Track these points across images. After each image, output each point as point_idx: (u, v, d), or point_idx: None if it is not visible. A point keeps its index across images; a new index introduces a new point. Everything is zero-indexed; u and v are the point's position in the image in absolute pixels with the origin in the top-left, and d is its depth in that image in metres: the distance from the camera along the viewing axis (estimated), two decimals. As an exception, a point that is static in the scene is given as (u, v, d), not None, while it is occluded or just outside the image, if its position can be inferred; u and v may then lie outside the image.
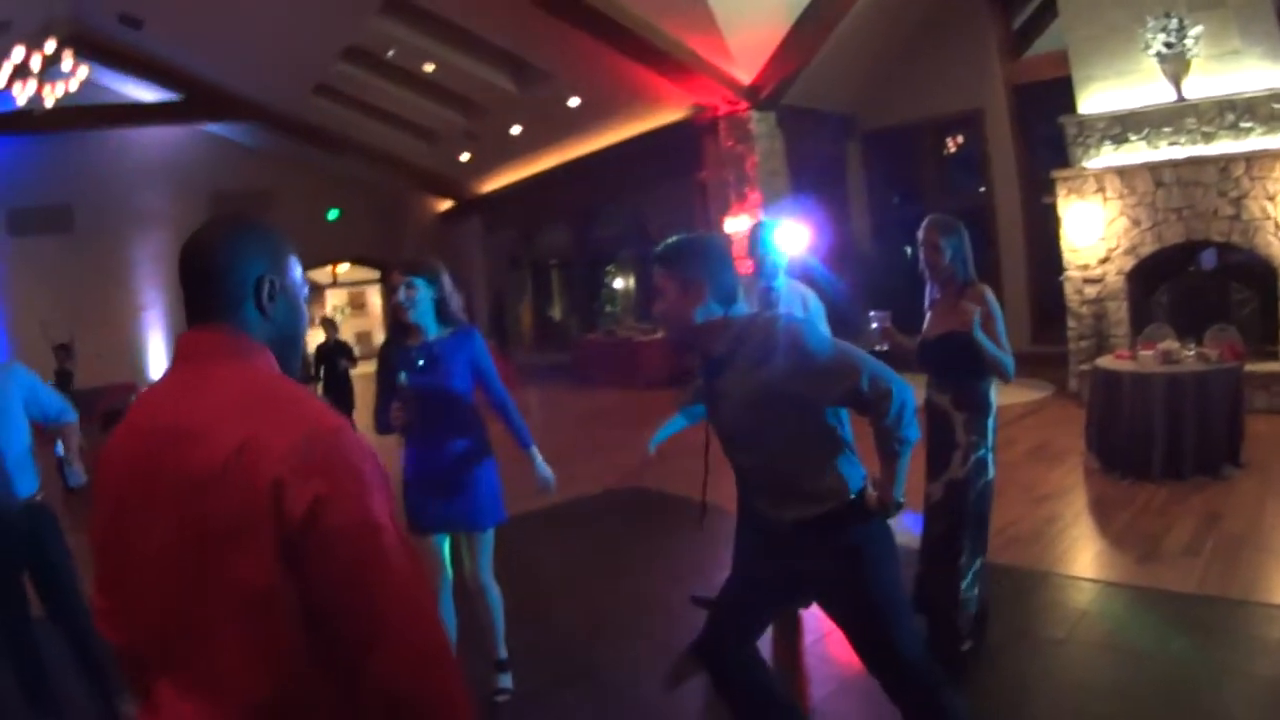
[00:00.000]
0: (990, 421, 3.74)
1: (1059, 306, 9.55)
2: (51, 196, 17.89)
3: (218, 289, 1.49)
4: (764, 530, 2.71)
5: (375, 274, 23.08)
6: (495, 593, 3.87)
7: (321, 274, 23.84)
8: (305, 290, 1.64)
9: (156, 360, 19.23)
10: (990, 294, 3.78)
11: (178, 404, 1.41)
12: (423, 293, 3.70)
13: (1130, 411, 6.27)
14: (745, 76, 11.47)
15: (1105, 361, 6.93)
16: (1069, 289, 9.25)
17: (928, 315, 4.01)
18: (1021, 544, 5.18)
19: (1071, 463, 6.77)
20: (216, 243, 1.51)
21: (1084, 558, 5.05)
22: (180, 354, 1.49)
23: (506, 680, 3.96)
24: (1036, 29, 11.19)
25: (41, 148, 17.14)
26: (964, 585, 3.76)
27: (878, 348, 3.83)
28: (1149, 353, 6.59)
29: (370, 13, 12.63)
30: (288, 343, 1.58)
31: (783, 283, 4.29)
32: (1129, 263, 8.84)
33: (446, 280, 3.81)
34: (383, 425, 3.69)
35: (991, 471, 3.77)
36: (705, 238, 2.83)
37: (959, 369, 3.71)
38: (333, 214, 20.44)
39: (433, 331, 3.76)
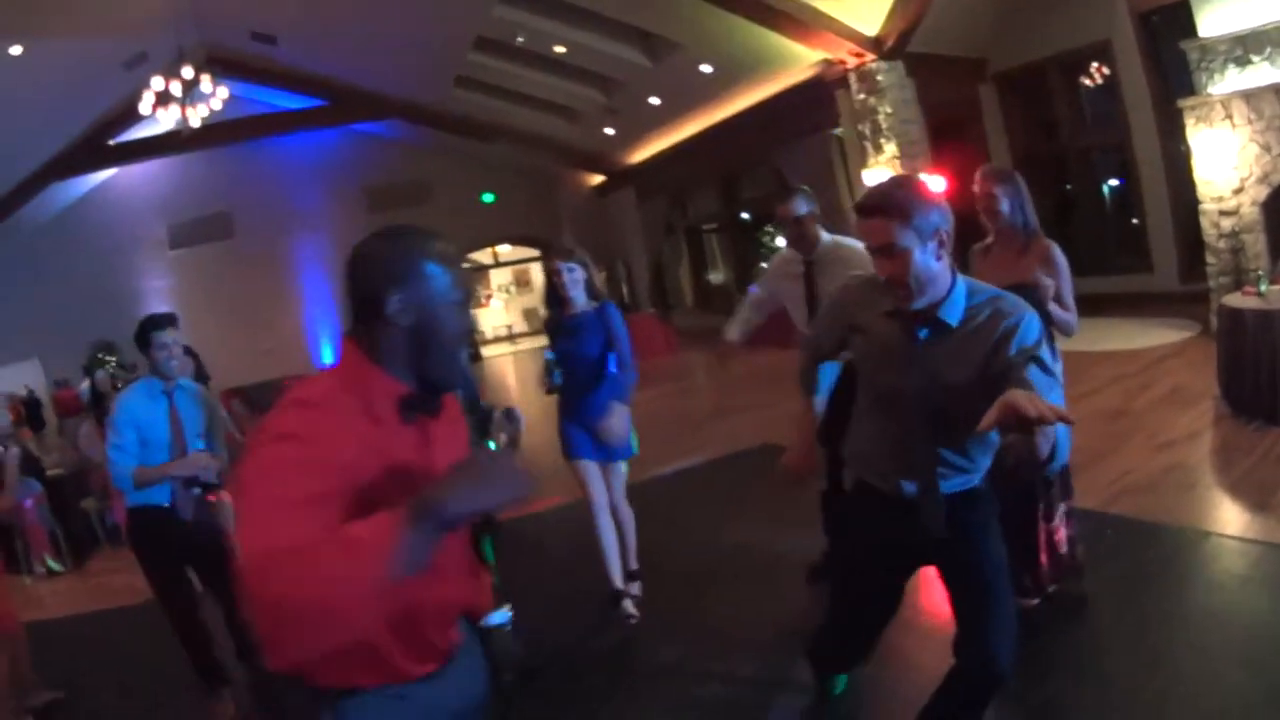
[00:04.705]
0: (1058, 368, 3.70)
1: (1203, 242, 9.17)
2: (209, 206, 19.15)
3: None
4: (893, 506, 2.71)
5: (535, 252, 23.76)
6: (629, 513, 4.79)
7: (483, 255, 24.74)
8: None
9: (326, 354, 20.45)
10: (1057, 250, 3.79)
11: None
12: (576, 274, 4.55)
13: (1255, 352, 6.10)
14: (869, 29, 11.40)
15: (1231, 299, 6.73)
16: (1205, 223, 8.89)
17: (975, 264, 4.03)
18: (1135, 493, 5.23)
19: (1203, 407, 6.64)
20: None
21: (1195, 508, 5.00)
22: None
23: (636, 587, 4.84)
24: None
25: (195, 163, 18.43)
26: (1049, 530, 3.87)
27: None
28: (1278, 288, 6.40)
29: (491, 2, 13.10)
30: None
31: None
32: (1263, 192, 8.38)
33: (590, 264, 4.66)
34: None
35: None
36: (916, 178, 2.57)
37: None
38: (487, 197, 21.14)
39: (581, 305, 4.58)
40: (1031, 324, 2.36)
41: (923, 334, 2.48)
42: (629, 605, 4.72)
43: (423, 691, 1.82)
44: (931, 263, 2.37)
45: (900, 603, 2.97)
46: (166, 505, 4.24)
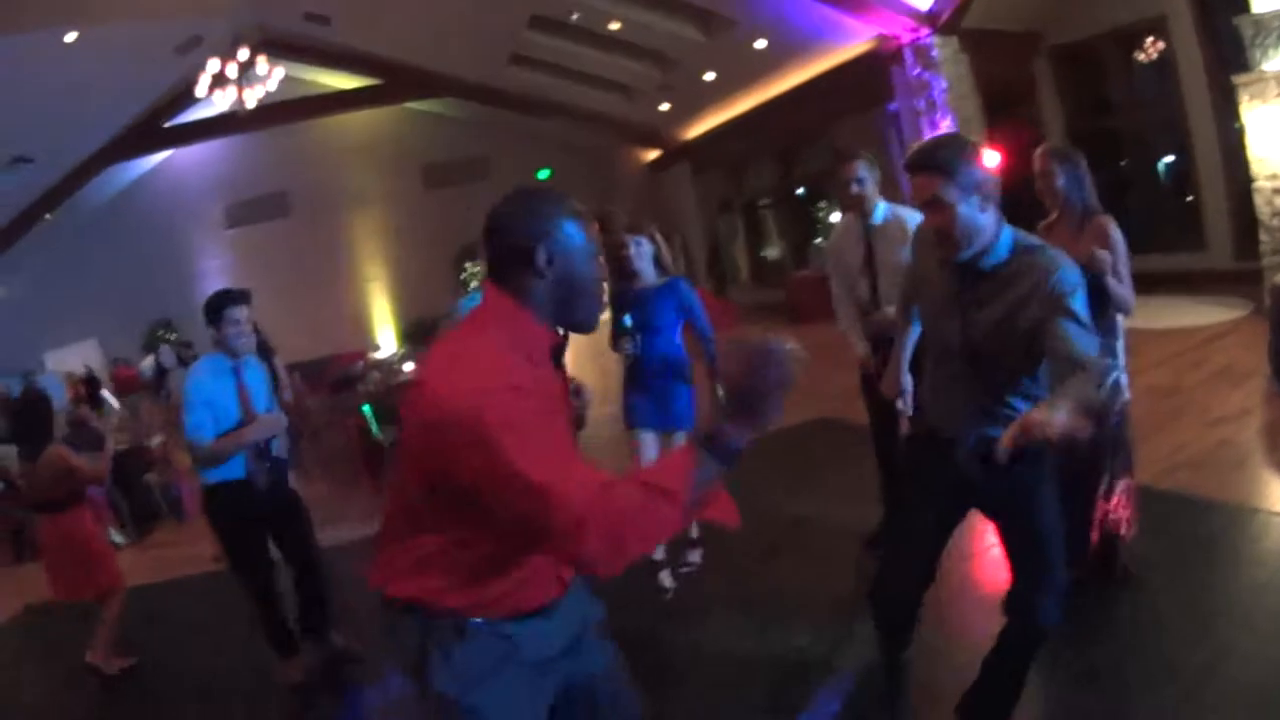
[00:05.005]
0: (1119, 344, 3.87)
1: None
2: (265, 186, 19.52)
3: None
4: (944, 450, 2.81)
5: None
6: None
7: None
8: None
9: (384, 329, 20.73)
10: (1113, 226, 3.79)
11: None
12: (644, 247, 4.79)
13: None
14: (923, 4, 11.41)
15: (1281, 278, 6.70)
16: (1259, 200, 8.72)
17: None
18: (1187, 469, 5.33)
19: (1254, 385, 6.69)
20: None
21: (1245, 484, 5.10)
22: None
23: (696, 555, 5.17)
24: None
25: (251, 144, 18.65)
26: (1109, 507, 3.96)
27: None
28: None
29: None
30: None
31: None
32: (1317, 170, 8.20)
33: (659, 239, 4.90)
34: (616, 347, 4.86)
35: (1127, 394, 3.95)
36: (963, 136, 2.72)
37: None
38: (543, 174, 21.26)
39: (650, 278, 4.81)
40: (1067, 274, 2.46)
41: (966, 282, 2.64)
42: (665, 578, 4.93)
43: (526, 633, 1.97)
44: (976, 215, 2.49)
45: (948, 539, 3.05)
46: (241, 478, 4.37)
